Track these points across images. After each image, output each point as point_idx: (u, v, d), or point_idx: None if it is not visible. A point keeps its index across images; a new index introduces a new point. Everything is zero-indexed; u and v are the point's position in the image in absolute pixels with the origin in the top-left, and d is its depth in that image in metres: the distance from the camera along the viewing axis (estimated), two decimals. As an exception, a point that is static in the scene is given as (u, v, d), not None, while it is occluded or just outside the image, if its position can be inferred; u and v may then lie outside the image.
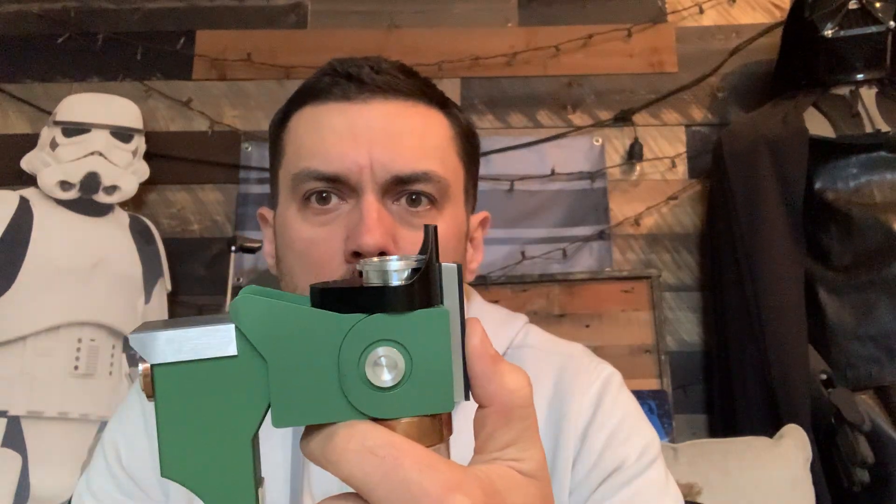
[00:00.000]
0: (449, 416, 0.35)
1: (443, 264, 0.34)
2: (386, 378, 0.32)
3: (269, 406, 0.32)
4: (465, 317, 0.35)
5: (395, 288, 0.32)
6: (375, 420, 0.32)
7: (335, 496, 0.32)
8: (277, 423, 0.32)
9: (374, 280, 0.32)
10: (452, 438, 0.36)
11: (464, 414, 0.37)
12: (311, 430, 0.33)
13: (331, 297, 0.32)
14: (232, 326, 0.32)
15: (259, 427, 0.33)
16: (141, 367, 0.32)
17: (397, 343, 0.32)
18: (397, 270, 0.32)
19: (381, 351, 0.32)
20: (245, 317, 0.32)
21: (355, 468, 0.30)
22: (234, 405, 0.32)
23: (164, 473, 0.32)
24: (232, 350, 0.32)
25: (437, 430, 0.33)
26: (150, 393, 0.32)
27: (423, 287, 0.32)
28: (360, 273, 0.33)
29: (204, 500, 0.32)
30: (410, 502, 0.29)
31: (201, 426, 0.32)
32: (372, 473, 0.30)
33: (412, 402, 0.32)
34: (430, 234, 0.34)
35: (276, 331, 0.32)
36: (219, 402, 0.32)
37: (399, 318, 0.32)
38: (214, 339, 0.32)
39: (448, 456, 0.34)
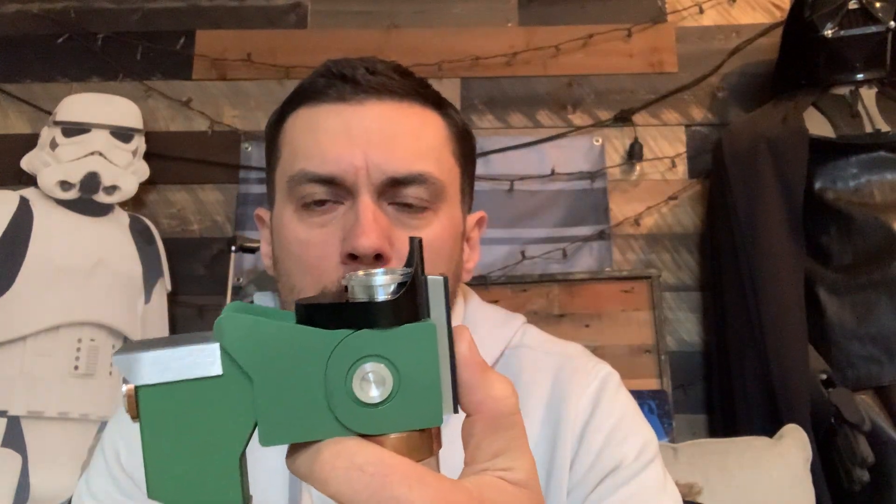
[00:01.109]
0: (438, 429, 0.34)
1: (429, 277, 0.34)
2: (374, 394, 0.31)
3: (255, 424, 0.32)
4: (454, 326, 0.35)
5: (381, 303, 0.32)
6: (364, 436, 0.32)
7: None
8: (265, 442, 0.32)
9: (359, 295, 0.32)
10: (445, 450, 0.36)
11: (454, 424, 0.37)
12: (296, 448, 0.32)
13: (316, 314, 0.32)
14: (216, 345, 0.32)
15: (246, 446, 0.32)
16: (124, 388, 0.31)
17: (384, 358, 0.32)
18: (383, 285, 0.32)
19: (369, 367, 0.31)
20: (229, 336, 0.31)
21: (344, 486, 0.30)
22: (221, 424, 0.32)
23: (151, 495, 0.32)
24: (217, 369, 0.32)
25: (426, 444, 0.33)
26: (135, 414, 0.31)
27: (409, 301, 0.32)
28: (346, 287, 0.33)
29: None
30: None
31: (187, 446, 0.32)
32: (360, 491, 0.29)
33: (401, 417, 0.32)
34: (416, 246, 0.33)
35: (261, 349, 0.31)
36: (205, 422, 0.32)
37: (386, 333, 0.32)
38: (199, 359, 0.31)
39: (437, 469, 0.34)
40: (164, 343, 0.32)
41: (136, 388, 0.31)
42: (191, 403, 0.32)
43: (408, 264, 0.34)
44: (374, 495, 0.29)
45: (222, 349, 0.32)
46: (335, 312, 0.32)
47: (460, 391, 0.34)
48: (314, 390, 0.32)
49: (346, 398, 0.31)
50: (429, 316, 0.33)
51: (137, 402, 0.31)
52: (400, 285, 0.32)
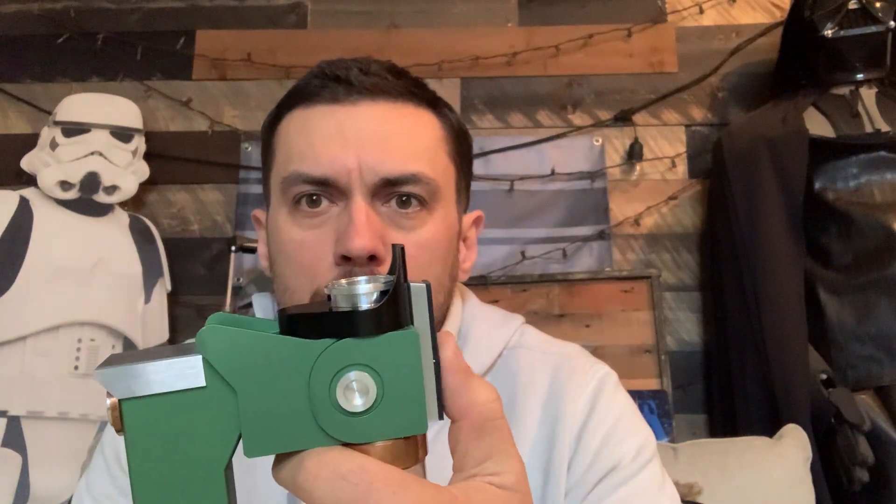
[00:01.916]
0: (424, 437, 0.35)
1: (411, 284, 0.34)
2: (357, 402, 0.32)
3: (240, 435, 0.32)
4: (439, 332, 0.35)
5: (364, 312, 0.32)
6: (349, 445, 0.32)
7: None
8: (249, 453, 0.32)
9: (342, 304, 0.32)
10: (438, 460, 0.36)
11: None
12: (281, 458, 0.33)
13: (299, 323, 0.32)
14: (199, 357, 0.32)
15: (231, 457, 0.32)
16: (108, 401, 0.31)
17: (368, 367, 0.32)
18: (366, 293, 0.32)
19: (352, 375, 0.32)
20: (211, 347, 0.32)
21: (328, 495, 0.30)
22: (205, 436, 0.32)
23: None
24: (200, 381, 0.32)
25: (412, 451, 0.33)
26: (119, 427, 0.32)
27: (392, 309, 0.32)
28: (329, 296, 0.33)
29: None
30: None
31: (173, 458, 0.32)
32: (345, 500, 0.30)
33: (385, 425, 0.32)
34: (398, 254, 0.34)
35: (243, 360, 0.32)
36: (189, 434, 0.32)
37: (369, 341, 0.32)
38: (182, 371, 0.32)
39: (424, 476, 0.34)
40: (147, 356, 0.32)
41: (120, 401, 0.31)
42: (175, 416, 0.32)
43: (390, 272, 0.34)
44: (358, 503, 0.29)
45: (205, 361, 0.32)
46: (318, 322, 0.32)
47: (445, 397, 0.34)
48: (298, 400, 0.32)
49: (329, 407, 0.32)
50: (412, 323, 0.33)
51: (121, 416, 0.31)
52: (382, 293, 0.32)
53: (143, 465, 0.32)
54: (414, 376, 0.32)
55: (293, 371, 0.32)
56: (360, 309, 0.32)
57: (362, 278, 0.32)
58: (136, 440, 0.32)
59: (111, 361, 0.32)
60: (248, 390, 0.32)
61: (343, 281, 0.33)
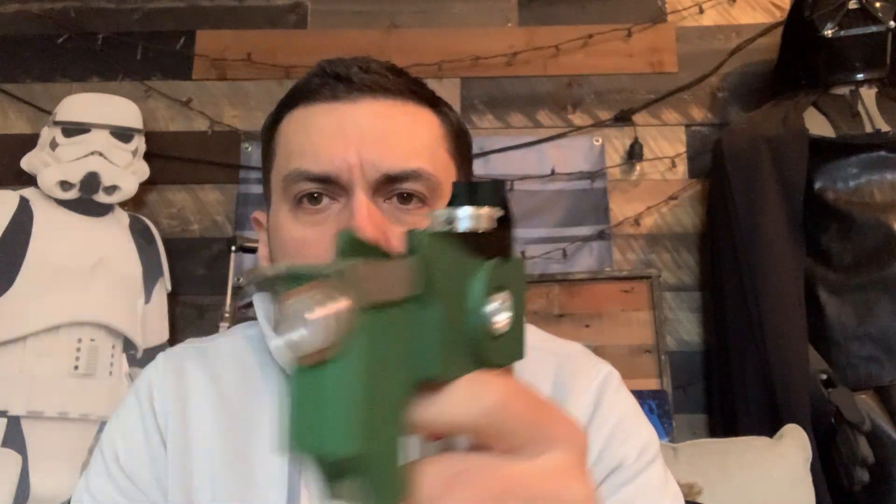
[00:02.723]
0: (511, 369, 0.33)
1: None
2: (501, 324, 0.30)
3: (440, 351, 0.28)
4: None
5: (510, 234, 0.31)
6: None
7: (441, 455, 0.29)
8: (446, 374, 0.28)
9: (467, 224, 0.30)
10: None
11: None
12: (436, 388, 0.28)
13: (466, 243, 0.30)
14: (420, 259, 0.28)
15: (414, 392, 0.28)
16: (332, 307, 0.24)
17: (508, 289, 0.31)
18: (489, 216, 0.31)
19: (501, 296, 0.30)
20: (430, 252, 0.28)
21: (524, 411, 0.29)
22: (410, 353, 0.27)
23: (345, 450, 0.24)
24: (419, 288, 0.27)
25: None
26: (337, 340, 0.24)
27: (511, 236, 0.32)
28: (436, 220, 0.31)
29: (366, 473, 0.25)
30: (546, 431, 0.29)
31: (382, 379, 0.26)
32: (528, 416, 0.29)
33: (510, 350, 0.31)
34: (502, 187, 0.32)
35: (446, 270, 0.29)
36: (397, 351, 0.27)
37: (510, 263, 0.31)
38: (403, 275, 0.27)
39: None
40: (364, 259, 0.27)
41: (353, 308, 0.24)
42: (394, 328, 0.27)
43: (497, 204, 0.32)
44: (538, 411, 0.29)
45: (421, 265, 0.28)
46: (475, 241, 0.30)
47: None
48: (462, 319, 0.29)
49: (481, 327, 0.30)
50: None
51: (346, 326, 0.24)
52: (499, 220, 0.31)
53: (364, 383, 0.25)
54: (522, 303, 0.31)
55: (464, 287, 0.29)
56: (492, 231, 0.30)
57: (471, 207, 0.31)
58: (359, 355, 0.25)
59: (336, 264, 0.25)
60: (449, 303, 0.28)
61: (467, 207, 0.31)
